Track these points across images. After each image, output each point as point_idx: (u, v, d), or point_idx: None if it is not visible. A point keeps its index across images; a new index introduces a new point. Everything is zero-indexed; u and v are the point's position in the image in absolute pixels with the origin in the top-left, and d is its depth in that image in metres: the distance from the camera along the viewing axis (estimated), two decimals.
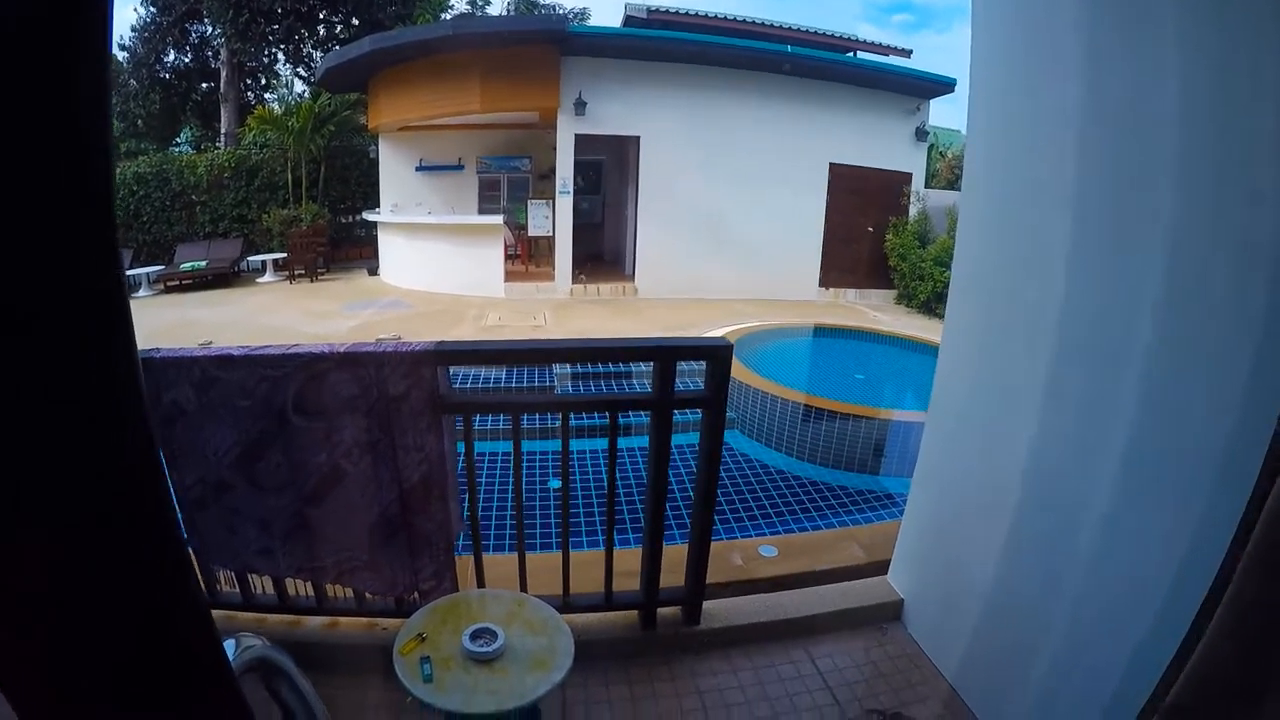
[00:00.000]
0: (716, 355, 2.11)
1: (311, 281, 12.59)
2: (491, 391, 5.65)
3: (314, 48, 18.01)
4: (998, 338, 2.15)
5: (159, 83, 18.00)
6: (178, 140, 19.66)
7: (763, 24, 12.07)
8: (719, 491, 2.26)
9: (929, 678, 2.31)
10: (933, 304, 10.60)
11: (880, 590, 2.66)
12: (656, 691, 2.21)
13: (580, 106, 10.27)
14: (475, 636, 1.65)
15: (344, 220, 15.64)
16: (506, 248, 11.51)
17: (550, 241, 11.46)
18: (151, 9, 17.66)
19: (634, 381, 6.07)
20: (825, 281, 12.11)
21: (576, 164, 10.84)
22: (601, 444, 2.39)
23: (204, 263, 12.54)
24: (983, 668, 2.15)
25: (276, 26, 16.66)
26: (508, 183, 13.43)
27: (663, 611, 2.40)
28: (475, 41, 10.58)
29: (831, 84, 11.21)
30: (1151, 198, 1.54)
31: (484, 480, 4.25)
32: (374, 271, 13.26)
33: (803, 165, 11.44)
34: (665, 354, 2.09)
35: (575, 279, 11.23)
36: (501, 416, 4.48)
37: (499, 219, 11.39)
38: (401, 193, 13.22)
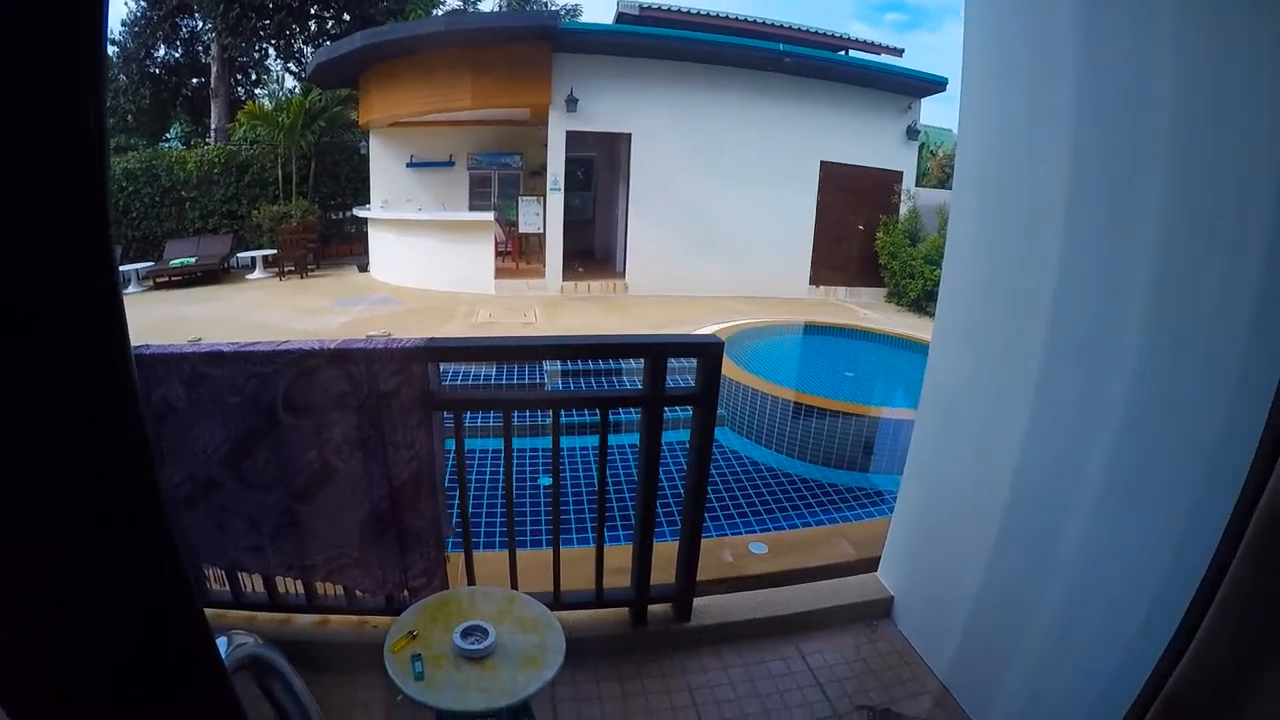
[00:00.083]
0: (707, 352, 2.11)
1: (301, 278, 12.51)
2: (482, 388, 5.63)
3: (305, 43, 17.91)
4: (987, 335, 2.16)
5: (149, 78, 17.83)
6: (168, 136, 19.45)
7: (755, 21, 12.08)
8: (709, 489, 2.27)
9: (919, 674, 2.33)
10: (923, 302, 10.65)
11: (870, 587, 2.68)
12: (647, 688, 2.22)
13: (572, 103, 10.25)
14: (466, 634, 1.65)
15: (334, 216, 15.54)
16: (497, 244, 11.47)
17: (541, 238, 11.46)
18: (142, 3, 17.49)
19: (624, 378, 6.07)
20: (816, 279, 12.15)
21: (568, 161, 10.81)
22: (592, 441, 2.39)
23: (194, 259, 12.45)
24: (972, 664, 2.16)
25: (267, 21, 16.55)
26: (499, 179, 13.42)
27: (653, 608, 2.41)
28: (467, 38, 10.55)
29: (823, 82, 11.23)
30: (1143, 197, 1.55)
31: (475, 477, 4.24)
32: (364, 268, 13.18)
33: (794, 163, 11.47)
34: (657, 351, 2.10)
35: (566, 275, 11.21)
36: (492, 413, 4.46)
37: (490, 215, 11.34)
38: (392, 189, 13.15)
